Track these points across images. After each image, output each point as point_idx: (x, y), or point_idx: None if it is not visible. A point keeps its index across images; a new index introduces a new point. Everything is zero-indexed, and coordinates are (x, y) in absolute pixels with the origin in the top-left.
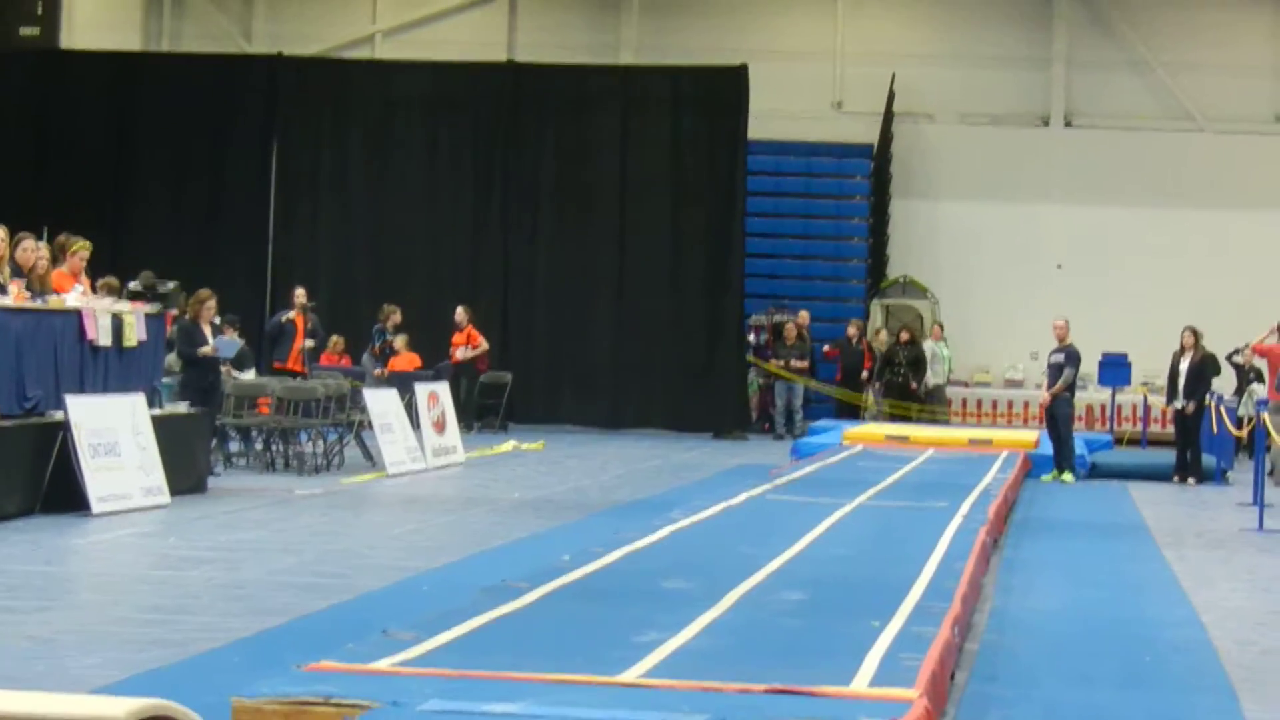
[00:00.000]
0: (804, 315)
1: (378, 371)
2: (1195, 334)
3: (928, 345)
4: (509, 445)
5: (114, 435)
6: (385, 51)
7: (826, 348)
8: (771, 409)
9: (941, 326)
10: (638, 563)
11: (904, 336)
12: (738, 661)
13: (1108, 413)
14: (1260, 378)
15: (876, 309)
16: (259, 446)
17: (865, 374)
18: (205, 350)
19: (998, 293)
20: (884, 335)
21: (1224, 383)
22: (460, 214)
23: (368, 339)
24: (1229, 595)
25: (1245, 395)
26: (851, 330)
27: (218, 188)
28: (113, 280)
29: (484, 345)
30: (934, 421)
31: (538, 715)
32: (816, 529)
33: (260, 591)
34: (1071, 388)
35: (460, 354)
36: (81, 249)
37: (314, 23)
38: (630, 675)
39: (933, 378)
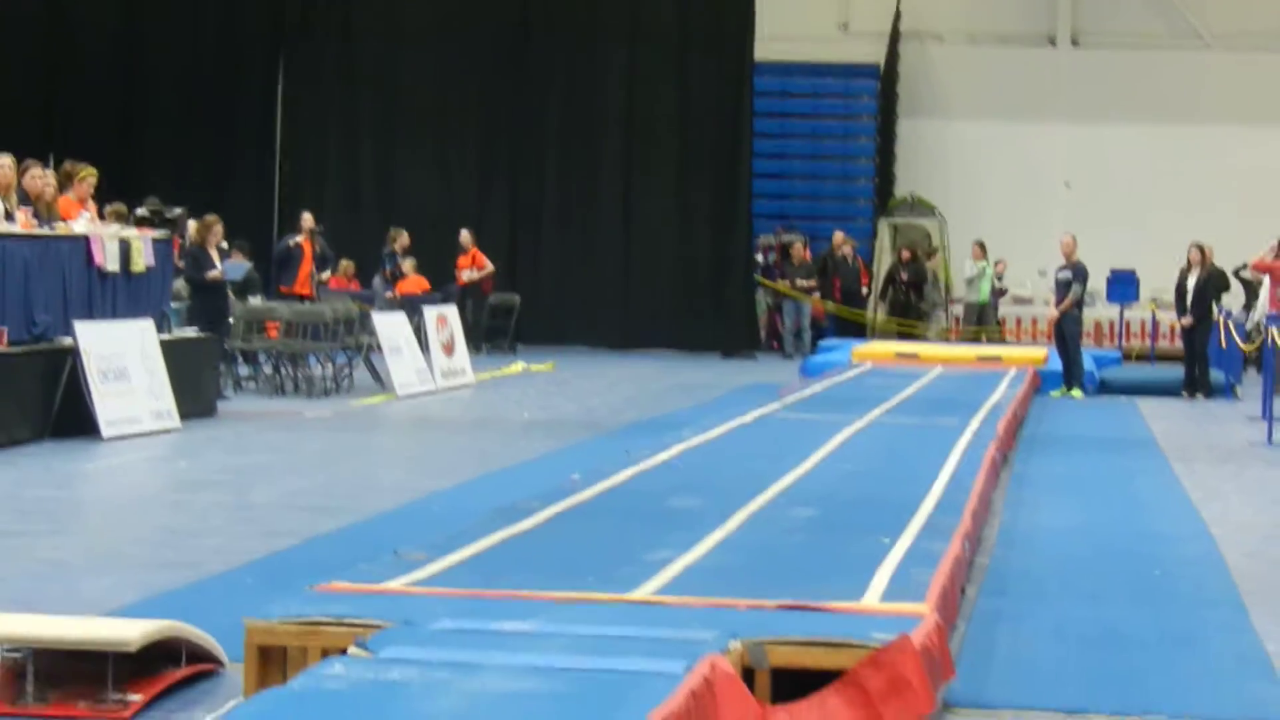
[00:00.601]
0: (838, 236)
1: (389, 294)
2: (1202, 251)
3: (969, 264)
4: (518, 367)
5: (123, 360)
6: None
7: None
8: (780, 328)
9: (983, 246)
10: (648, 482)
11: (905, 255)
12: (749, 578)
13: (1116, 329)
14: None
15: (884, 228)
16: (268, 370)
17: (865, 290)
18: (213, 274)
19: (1005, 211)
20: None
21: (1233, 298)
22: (467, 139)
23: (375, 263)
24: (1238, 509)
25: (1253, 309)
26: (847, 249)
27: (224, 114)
28: (121, 207)
29: (489, 267)
30: (963, 339)
31: (549, 633)
32: (826, 446)
33: (271, 513)
34: (1080, 304)
35: (466, 276)
36: (88, 175)
37: None
38: (641, 593)
39: (971, 295)
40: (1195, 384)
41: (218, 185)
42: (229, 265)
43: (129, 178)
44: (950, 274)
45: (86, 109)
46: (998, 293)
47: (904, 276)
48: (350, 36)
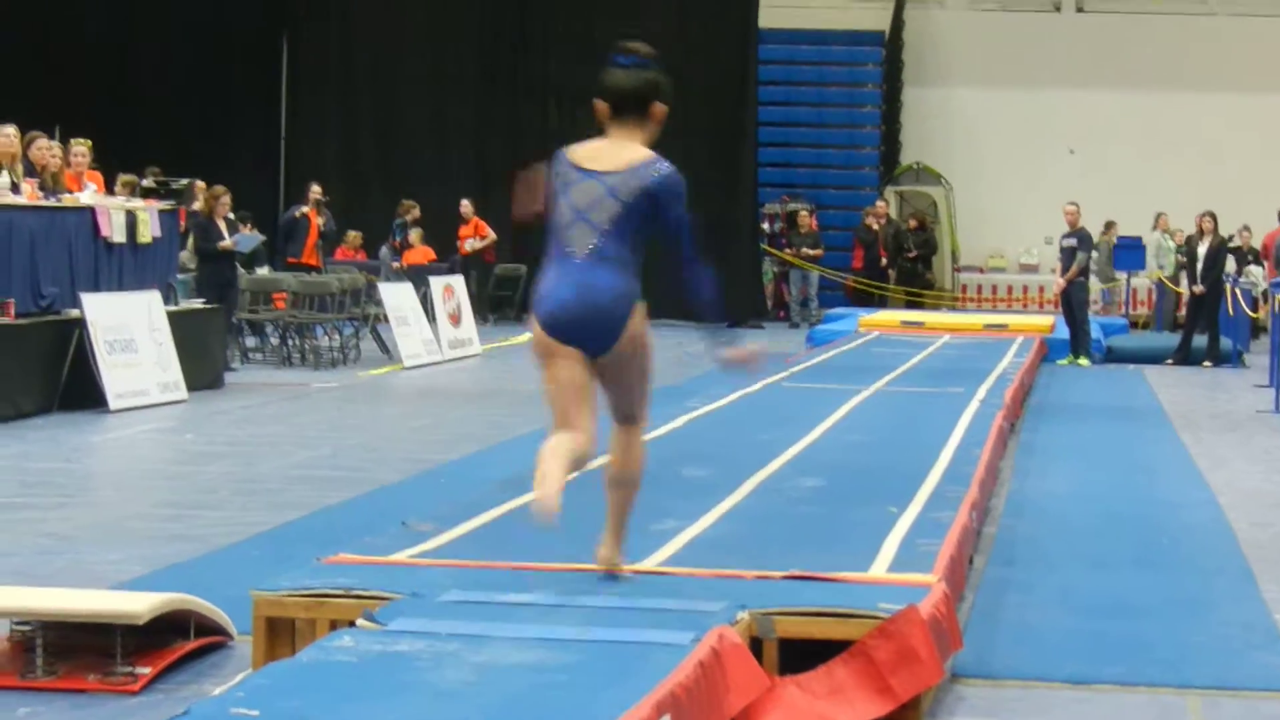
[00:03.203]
0: (881, 206)
1: (396, 265)
2: (1214, 219)
3: (1153, 236)
4: (525, 337)
5: (130, 332)
6: None
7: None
8: (787, 297)
9: (1164, 216)
10: (655, 451)
11: (912, 224)
12: (756, 549)
13: (1123, 296)
14: (1257, 259)
15: (890, 196)
16: (275, 341)
17: (883, 261)
18: (225, 244)
19: (1011, 178)
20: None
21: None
22: (469, 109)
23: (380, 234)
24: (1245, 477)
25: (1244, 274)
26: (871, 220)
27: (228, 84)
28: (132, 178)
29: (492, 236)
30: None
31: (556, 605)
32: (833, 416)
33: (278, 485)
34: (1086, 272)
35: (469, 245)
36: (77, 144)
37: None
38: (649, 563)
39: (1159, 271)
40: (1186, 351)
41: (221, 156)
42: (241, 237)
43: (133, 150)
44: (958, 242)
45: (86, 79)
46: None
47: (910, 245)
48: (351, 6)
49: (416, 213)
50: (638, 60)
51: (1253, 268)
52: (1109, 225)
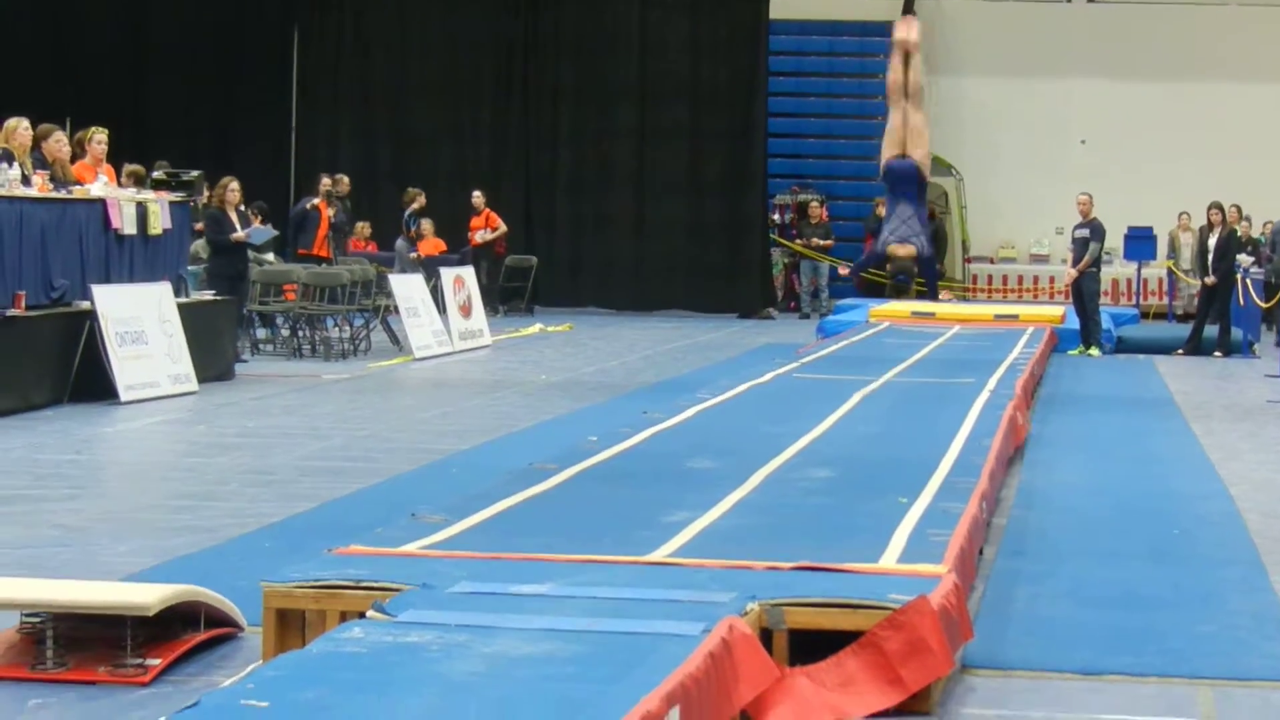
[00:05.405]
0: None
1: (413, 255)
2: (1222, 210)
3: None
4: (535, 328)
5: (141, 324)
6: None
7: None
8: (797, 288)
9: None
10: (665, 443)
11: None
12: (766, 540)
13: (1134, 287)
14: (1251, 247)
15: None
16: (285, 333)
17: None
18: (238, 236)
19: (1022, 168)
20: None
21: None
22: (481, 103)
23: (391, 227)
24: (1257, 468)
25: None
26: (881, 210)
27: (238, 78)
28: (139, 169)
29: (503, 227)
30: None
31: (567, 596)
32: (843, 407)
33: (289, 477)
34: (1097, 262)
35: (479, 237)
36: (96, 132)
37: None
38: (659, 555)
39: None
40: (1197, 342)
41: (230, 149)
42: (255, 230)
43: (143, 143)
44: (968, 233)
45: (97, 73)
46: None
47: None
48: (362, 1)
49: (422, 200)
50: None
51: (1243, 256)
52: (1183, 215)
